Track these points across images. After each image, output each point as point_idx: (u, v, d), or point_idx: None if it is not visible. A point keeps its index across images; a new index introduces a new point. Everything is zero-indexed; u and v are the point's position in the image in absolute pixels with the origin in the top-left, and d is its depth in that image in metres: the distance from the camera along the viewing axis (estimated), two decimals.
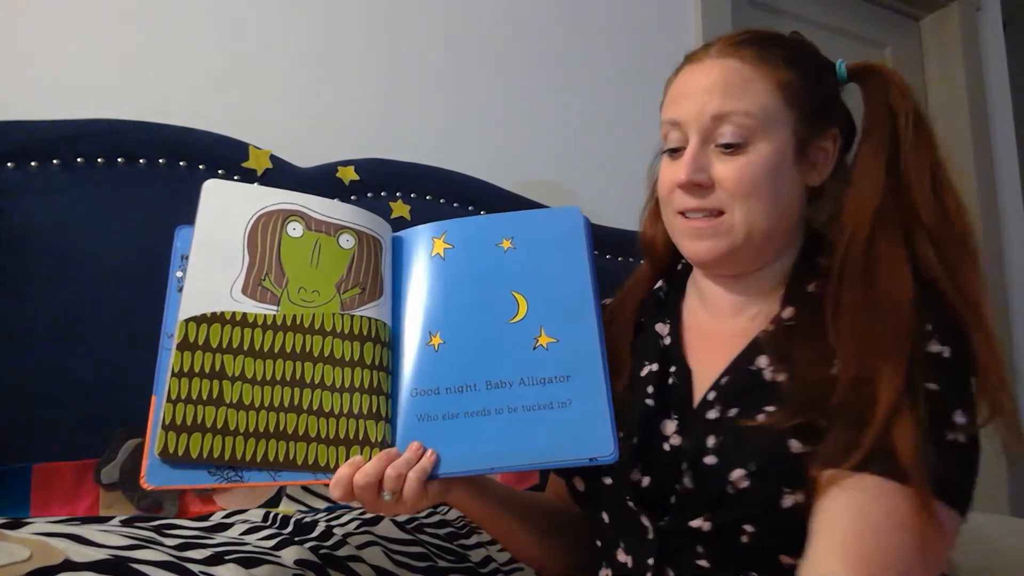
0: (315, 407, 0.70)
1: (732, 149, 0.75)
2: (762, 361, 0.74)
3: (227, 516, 1.03)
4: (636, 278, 0.93)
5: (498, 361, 0.74)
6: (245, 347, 0.71)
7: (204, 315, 0.70)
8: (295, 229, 0.76)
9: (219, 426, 0.68)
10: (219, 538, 0.86)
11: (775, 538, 0.67)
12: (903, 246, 0.73)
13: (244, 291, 0.72)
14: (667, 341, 0.83)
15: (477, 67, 1.57)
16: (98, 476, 1.04)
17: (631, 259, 1.59)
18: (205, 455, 0.67)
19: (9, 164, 1.07)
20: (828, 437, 0.65)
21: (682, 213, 0.78)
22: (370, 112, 1.44)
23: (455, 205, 1.42)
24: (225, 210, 0.75)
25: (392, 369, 0.75)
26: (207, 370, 0.69)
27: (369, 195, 1.34)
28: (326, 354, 0.72)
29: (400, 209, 1.35)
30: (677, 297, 0.88)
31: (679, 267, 0.91)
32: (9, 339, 1.03)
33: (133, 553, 0.73)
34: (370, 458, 0.69)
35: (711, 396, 0.75)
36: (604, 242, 1.54)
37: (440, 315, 0.77)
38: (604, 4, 1.76)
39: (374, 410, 0.72)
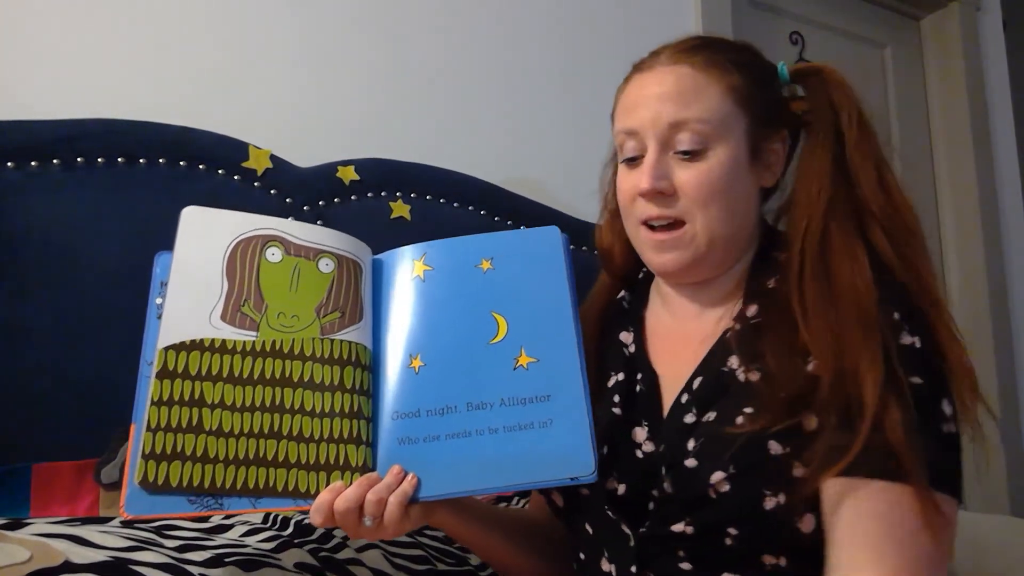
0: (295, 433, 0.70)
1: (691, 156, 0.75)
2: (733, 361, 0.74)
3: (227, 518, 1.03)
4: (597, 289, 0.93)
5: (479, 382, 0.74)
6: (224, 374, 0.70)
7: (183, 342, 0.70)
8: (274, 254, 0.76)
9: (199, 454, 0.67)
10: (219, 540, 0.86)
11: (759, 539, 0.67)
12: (857, 236, 0.74)
13: (223, 317, 0.72)
14: (632, 349, 0.83)
15: (477, 67, 1.57)
16: (98, 476, 1.04)
17: None
18: (185, 483, 0.66)
19: (9, 164, 1.07)
20: (819, 439, 0.65)
21: (645, 224, 0.78)
22: (370, 112, 1.44)
23: (455, 205, 1.42)
24: (204, 236, 0.75)
25: (373, 392, 0.75)
26: (186, 398, 0.68)
27: (369, 195, 1.34)
28: (306, 379, 0.72)
29: (400, 209, 1.35)
30: (640, 305, 0.88)
31: (640, 275, 0.91)
32: (9, 339, 1.03)
33: (133, 555, 0.73)
34: (351, 483, 0.68)
35: (684, 399, 0.75)
36: None
37: (421, 337, 0.76)
38: (604, 4, 1.76)
39: (354, 434, 0.71)
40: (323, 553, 0.86)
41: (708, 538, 0.68)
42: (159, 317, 0.71)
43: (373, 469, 0.71)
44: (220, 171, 1.21)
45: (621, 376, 0.81)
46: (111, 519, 0.90)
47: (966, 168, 2.39)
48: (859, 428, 0.63)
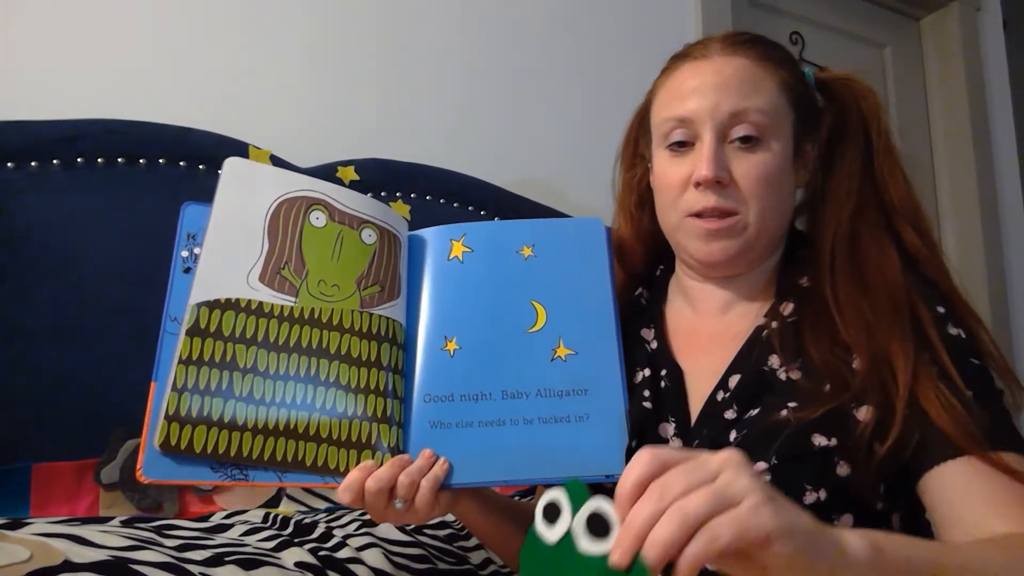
0: (328, 407, 0.67)
1: (749, 145, 0.74)
2: (774, 361, 0.73)
3: (227, 517, 1.03)
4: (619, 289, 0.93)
5: (515, 370, 0.72)
6: (259, 338, 0.67)
7: (218, 300, 0.66)
8: (318, 219, 0.73)
9: (226, 420, 0.64)
10: (219, 539, 0.86)
11: None
12: (885, 233, 0.77)
13: (261, 279, 0.69)
14: (653, 345, 0.83)
15: (477, 67, 1.57)
16: (98, 476, 1.04)
17: None
18: (209, 450, 0.63)
19: (9, 164, 1.07)
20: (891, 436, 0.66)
21: (696, 215, 0.76)
22: (370, 112, 1.44)
23: (455, 205, 1.42)
24: (246, 191, 0.72)
25: (405, 372, 0.73)
26: (217, 359, 0.65)
27: (369, 195, 1.34)
28: (343, 352, 0.69)
29: (400, 209, 1.35)
30: (659, 301, 0.87)
31: (658, 272, 0.91)
32: (9, 339, 1.03)
33: (133, 554, 0.73)
34: (381, 463, 0.67)
35: (720, 396, 0.74)
36: None
37: (456, 320, 0.75)
38: (604, 4, 1.76)
39: (388, 414, 0.69)
40: (323, 552, 0.86)
41: None
42: (185, 271, 0.68)
43: (404, 451, 0.70)
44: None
45: (647, 372, 0.81)
46: (111, 519, 0.90)
47: (966, 168, 2.39)
48: (896, 408, 0.65)
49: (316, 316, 0.69)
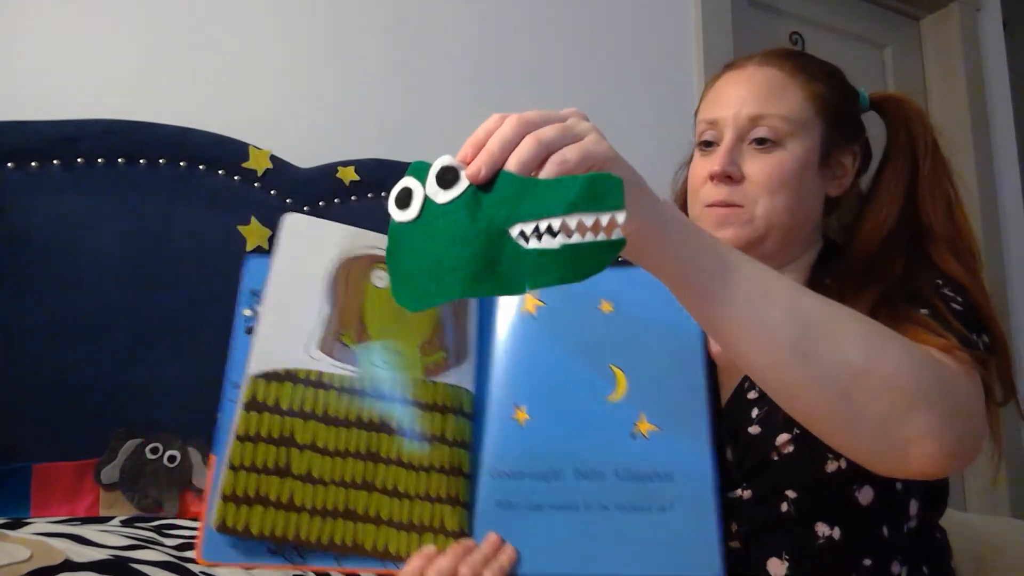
0: (389, 486, 0.63)
1: (765, 145, 0.79)
2: None
3: None
4: None
5: (591, 446, 0.65)
6: (318, 412, 0.62)
7: (276, 372, 0.62)
8: (381, 278, 0.67)
9: (283, 500, 0.60)
10: None
11: (815, 505, 0.69)
12: (915, 259, 0.78)
13: (322, 346, 0.64)
14: None
15: (478, 67, 1.57)
16: (98, 476, 1.04)
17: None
18: (267, 532, 0.59)
19: (9, 164, 1.07)
20: None
21: (710, 205, 0.81)
22: (370, 112, 1.44)
23: None
24: (307, 250, 0.66)
25: (471, 443, 0.67)
26: (275, 435, 0.61)
27: (369, 195, 1.34)
28: (405, 427, 0.64)
29: None
30: None
31: None
32: (9, 339, 1.03)
33: (133, 553, 0.73)
34: (444, 548, 0.62)
35: (747, 384, 0.77)
36: None
37: (527, 385, 0.68)
38: (603, 4, 1.76)
39: (452, 494, 0.64)
40: None
41: (765, 503, 0.70)
42: (248, 331, 0.65)
43: (469, 533, 0.64)
44: (220, 171, 1.21)
45: None
46: (111, 519, 0.91)
47: (966, 168, 2.38)
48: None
49: (377, 387, 0.65)
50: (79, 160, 1.11)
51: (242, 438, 0.61)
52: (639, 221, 0.50)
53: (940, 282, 0.73)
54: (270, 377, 0.62)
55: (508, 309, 0.71)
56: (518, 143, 0.47)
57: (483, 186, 0.47)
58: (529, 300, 0.71)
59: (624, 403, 0.66)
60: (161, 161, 1.17)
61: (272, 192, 1.25)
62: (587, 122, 0.50)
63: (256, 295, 0.66)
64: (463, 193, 0.47)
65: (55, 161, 1.09)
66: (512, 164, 0.46)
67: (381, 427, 0.64)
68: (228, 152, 1.22)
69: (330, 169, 1.31)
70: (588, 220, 0.44)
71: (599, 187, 0.44)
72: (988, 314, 0.73)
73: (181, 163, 1.18)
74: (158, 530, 0.85)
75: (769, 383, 0.55)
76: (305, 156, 1.30)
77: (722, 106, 0.81)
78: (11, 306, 1.04)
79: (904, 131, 0.83)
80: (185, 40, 1.29)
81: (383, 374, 0.65)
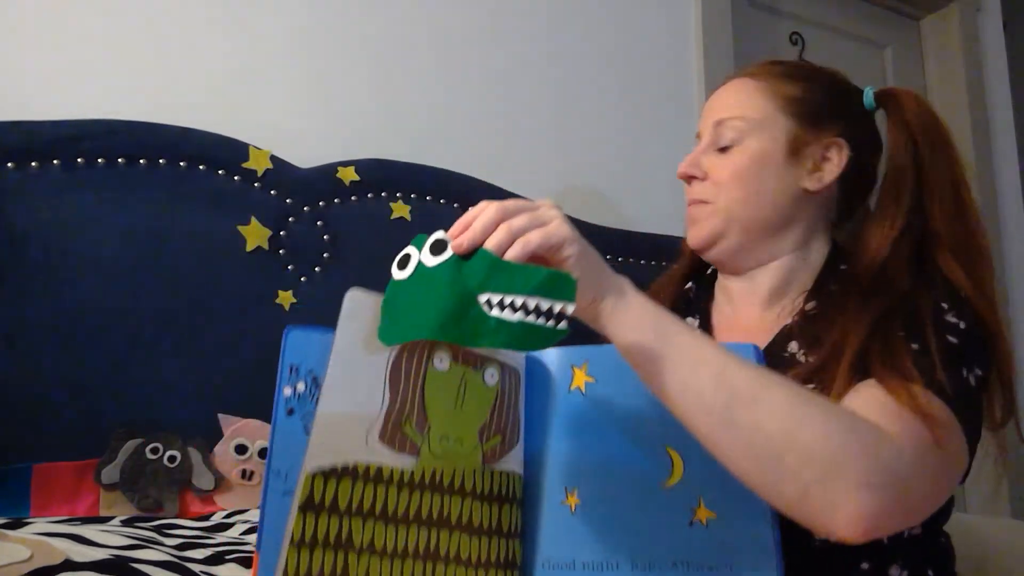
0: None
1: (723, 149, 0.85)
2: (793, 346, 0.79)
3: (227, 516, 1.03)
4: (665, 279, 0.99)
5: (647, 535, 0.62)
6: (377, 510, 0.57)
7: (334, 468, 0.56)
8: (442, 360, 0.62)
9: None
10: (219, 538, 0.86)
11: None
12: (920, 266, 0.78)
13: (382, 437, 0.58)
14: None
15: (478, 67, 1.57)
16: (98, 476, 1.04)
17: (641, 260, 1.60)
18: None
19: (9, 164, 1.07)
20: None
21: (689, 205, 0.88)
22: (370, 112, 1.44)
23: (455, 206, 1.42)
24: (370, 331, 0.59)
25: (523, 531, 0.64)
26: (332, 539, 0.55)
27: (369, 195, 1.34)
28: (464, 521, 0.60)
29: (400, 209, 1.35)
30: (705, 298, 0.94)
31: (708, 271, 0.97)
32: (9, 339, 1.03)
33: (134, 553, 0.73)
34: None
35: None
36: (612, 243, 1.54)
37: (578, 468, 0.64)
38: (603, 5, 1.76)
39: None
40: None
41: None
42: (289, 413, 0.59)
43: None
44: (220, 171, 1.21)
45: None
46: (111, 519, 0.91)
47: (966, 168, 2.39)
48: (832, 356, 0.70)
49: (437, 480, 0.60)
50: (79, 160, 1.11)
51: (298, 543, 0.54)
52: (593, 295, 0.58)
53: (946, 305, 0.72)
54: (328, 474, 0.55)
55: (557, 387, 0.67)
56: (496, 227, 0.55)
57: (464, 257, 0.55)
58: (579, 376, 0.68)
59: (681, 488, 0.63)
60: (161, 161, 1.17)
61: (272, 192, 1.25)
62: (555, 211, 0.58)
63: (296, 371, 0.61)
64: (447, 260, 0.55)
65: (55, 161, 1.09)
66: (489, 244, 0.55)
67: (440, 523, 0.60)
68: (228, 152, 1.22)
69: (330, 169, 1.31)
70: (544, 305, 0.52)
71: (557, 281, 0.53)
72: (992, 331, 0.73)
73: (181, 163, 1.18)
74: (158, 530, 0.85)
75: (706, 444, 0.59)
76: (305, 156, 1.30)
77: (703, 118, 0.89)
78: (11, 306, 1.04)
79: (902, 125, 0.83)
80: (185, 40, 1.29)
81: (443, 465, 0.61)
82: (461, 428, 0.62)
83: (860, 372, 0.67)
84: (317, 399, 0.57)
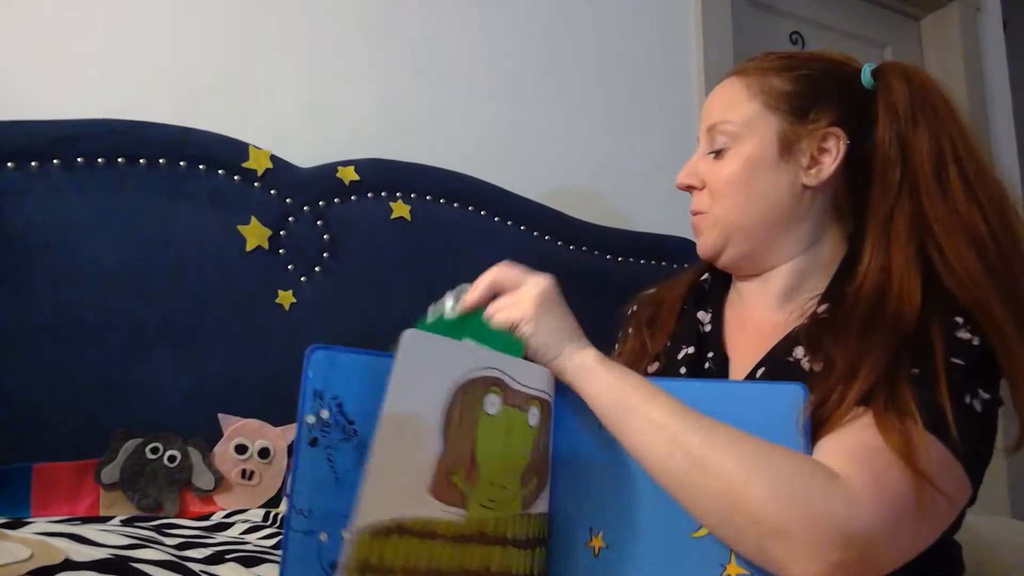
0: None
1: (717, 154, 0.83)
2: (799, 352, 0.77)
3: (227, 516, 1.03)
4: (687, 274, 0.97)
5: None
6: (423, 566, 0.52)
7: (385, 525, 0.51)
8: (493, 404, 0.59)
9: None
10: (219, 537, 0.86)
11: None
12: (916, 259, 0.74)
13: (432, 490, 0.54)
14: (707, 328, 0.88)
15: (478, 67, 1.57)
16: (98, 476, 1.04)
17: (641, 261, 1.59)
18: None
19: (9, 164, 1.07)
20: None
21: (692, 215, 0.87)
22: (370, 112, 1.44)
23: (455, 205, 1.42)
24: (426, 377, 0.55)
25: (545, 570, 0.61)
26: None
27: (369, 195, 1.34)
28: (503, 569, 0.57)
29: (400, 209, 1.35)
30: (721, 290, 0.92)
31: None
32: (9, 339, 1.03)
33: (134, 552, 0.73)
34: None
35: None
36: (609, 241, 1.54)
37: (604, 510, 0.62)
38: (602, 4, 1.76)
39: None
40: None
41: None
42: (312, 443, 0.54)
43: None
44: (220, 171, 1.21)
45: (691, 350, 0.86)
46: (111, 518, 0.91)
47: (966, 143, 2.39)
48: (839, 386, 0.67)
49: (482, 530, 0.57)
50: (79, 160, 1.11)
51: None
52: (553, 358, 0.67)
53: (960, 320, 0.69)
54: (378, 531, 0.51)
55: (587, 424, 0.65)
56: (489, 292, 0.70)
57: (469, 312, 0.69)
58: None
59: (711, 540, 0.60)
60: (161, 161, 1.17)
61: (272, 192, 1.25)
62: (536, 291, 0.69)
63: (321, 397, 0.55)
64: (459, 315, 0.70)
65: (55, 161, 1.09)
66: (488, 311, 0.69)
67: (483, 575, 0.57)
68: (228, 152, 1.22)
69: (330, 169, 1.31)
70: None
71: (513, 345, 0.66)
72: (1006, 345, 0.68)
73: (181, 163, 1.18)
74: (158, 529, 0.85)
75: (675, 499, 0.62)
76: (305, 156, 1.30)
77: (700, 122, 0.88)
78: (11, 306, 1.04)
79: (890, 102, 0.79)
80: (185, 40, 1.29)
81: (489, 515, 0.58)
82: (506, 473, 0.60)
83: (863, 400, 0.65)
84: (371, 448, 0.51)
